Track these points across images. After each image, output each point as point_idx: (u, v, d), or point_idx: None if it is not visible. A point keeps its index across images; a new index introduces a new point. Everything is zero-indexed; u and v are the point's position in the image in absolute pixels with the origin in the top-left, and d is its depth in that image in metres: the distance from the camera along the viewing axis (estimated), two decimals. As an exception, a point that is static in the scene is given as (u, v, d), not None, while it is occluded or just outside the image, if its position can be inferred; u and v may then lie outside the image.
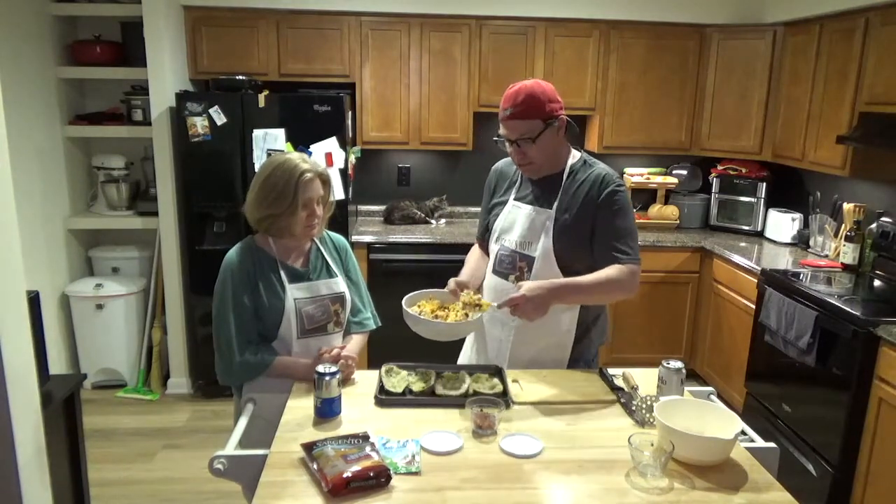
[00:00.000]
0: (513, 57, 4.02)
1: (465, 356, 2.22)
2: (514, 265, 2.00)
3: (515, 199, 2.05)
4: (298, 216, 1.88)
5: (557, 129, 1.91)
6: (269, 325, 1.91)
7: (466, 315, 1.87)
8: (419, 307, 1.92)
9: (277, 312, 1.89)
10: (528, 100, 1.86)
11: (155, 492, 2.98)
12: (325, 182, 1.95)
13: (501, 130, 1.94)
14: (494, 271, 2.07)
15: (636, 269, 1.90)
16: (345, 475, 1.35)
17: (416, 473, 1.44)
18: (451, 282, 2.01)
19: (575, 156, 2.01)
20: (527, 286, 1.80)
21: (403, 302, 1.91)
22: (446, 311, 1.91)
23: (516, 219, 2.02)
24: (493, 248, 2.08)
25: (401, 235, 3.97)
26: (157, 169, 3.75)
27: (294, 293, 1.92)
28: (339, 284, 2.01)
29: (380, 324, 2.17)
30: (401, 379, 1.84)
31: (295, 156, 1.92)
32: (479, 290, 2.09)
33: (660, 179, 4.36)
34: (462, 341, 2.23)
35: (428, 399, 1.77)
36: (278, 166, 1.88)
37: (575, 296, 1.90)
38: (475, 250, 2.25)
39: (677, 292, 4.09)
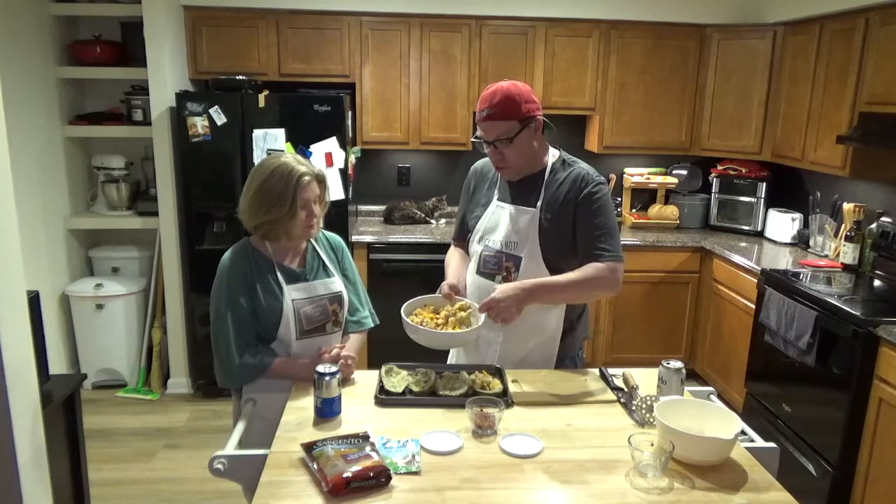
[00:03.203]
0: (513, 57, 4.02)
1: (453, 359, 2.22)
2: (501, 265, 2.00)
3: (499, 199, 2.05)
4: (298, 219, 1.87)
5: (534, 129, 1.91)
6: (267, 327, 1.90)
7: (463, 325, 1.90)
8: (416, 315, 1.94)
9: (275, 314, 1.89)
10: (504, 101, 1.86)
11: (155, 492, 2.99)
12: (322, 182, 1.94)
13: (479, 132, 1.95)
14: (479, 272, 2.06)
15: (616, 266, 1.90)
16: (345, 475, 1.35)
17: (416, 473, 1.44)
18: (444, 286, 2.02)
19: (554, 154, 2.02)
20: (500, 288, 1.82)
21: (402, 311, 1.92)
22: (443, 317, 1.93)
23: (500, 219, 2.02)
24: (477, 248, 2.07)
25: (401, 235, 3.97)
26: (157, 169, 3.75)
27: (292, 294, 1.91)
28: (337, 284, 2.01)
29: (378, 322, 2.17)
30: (401, 379, 1.84)
31: (289, 158, 1.90)
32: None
33: (660, 179, 4.36)
34: None
35: (428, 399, 1.77)
36: (274, 171, 1.86)
37: (551, 295, 1.90)
38: (454, 251, 2.25)
39: (677, 292, 4.08)
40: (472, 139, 2.00)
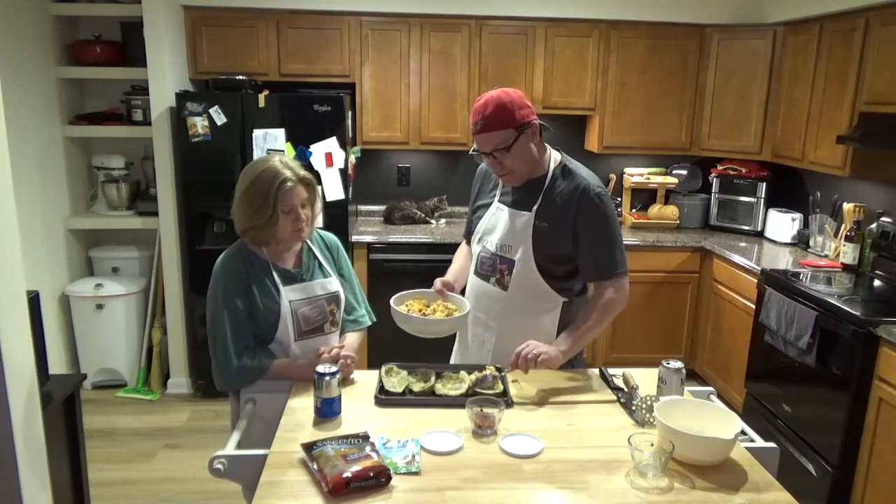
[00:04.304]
0: (513, 57, 4.02)
1: (453, 360, 2.24)
2: (495, 267, 2.00)
3: (499, 202, 2.05)
4: (281, 225, 1.85)
5: (531, 134, 1.89)
6: (265, 329, 1.89)
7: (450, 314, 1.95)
8: (407, 306, 1.96)
9: (273, 315, 1.88)
10: (497, 110, 1.84)
11: (155, 492, 2.99)
12: (310, 185, 1.90)
13: (475, 144, 1.92)
14: (476, 273, 2.08)
15: (624, 281, 1.94)
16: (345, 475, 1.35)
17: (416, 473, 1.44)
18: (437, 282, 2.04)
19: (556, 158, 1.99)
20: (541, 349, 1.82)
21: (392, 301, 1.94)
22: (432, 309, 1.97)
23: (498, 221, 2.02)
24: (476, 249, 2.09)
25: (401, 235, 3.97)
26: (157, 169, 3.75)
27: (289, 295, 1.90)
28: (334, 284, 2.00)
29: (374, 320, 2.17)
30: (401, 379, 1.84)
31: (276, 162, 1.86)
32: (463, 290, 2.13)
33: (660, 179, 4.36)
34: (452, 344, 2.25)
35: (428, 399, 1.77)
36: (259, 176, 1.83)
37: (585, 343, 1.97)
38: (463, 248, 2.27)
39: (677, 292, 4.08)
40: (470, 152, 1.99)
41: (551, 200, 1.93)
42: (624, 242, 1.99)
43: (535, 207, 1.94)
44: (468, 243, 2.24)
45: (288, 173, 1.84)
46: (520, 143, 1.87)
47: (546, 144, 2.00)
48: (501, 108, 1.84)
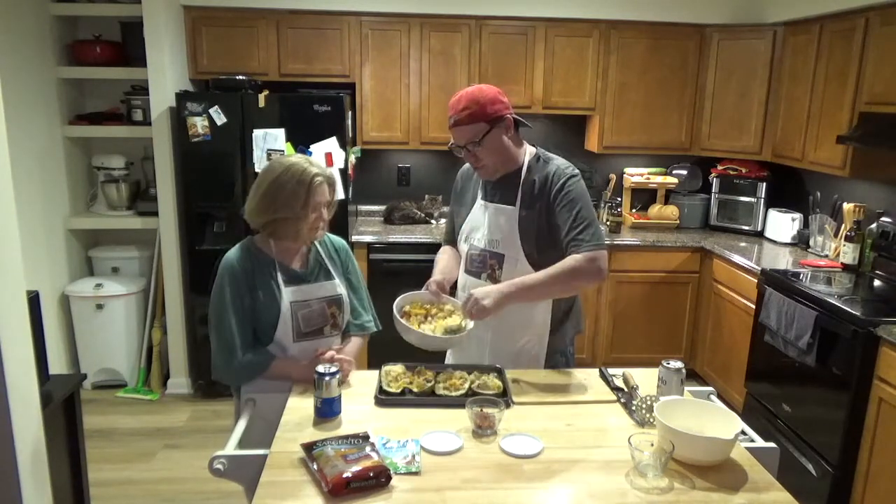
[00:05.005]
0: (513, 57, 4.02)
1: (451, 357, 2.24)
2: (485, 263, 2.03)
3: (482, 199, 2.08)
4: (307, 221, 1.87)
5: (504, 128, 1.94)
6: (265, 328, 1.90)
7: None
8: (409, 313, 1.97)
9: (273, 315, 1.88)
10: (469, 105, 1.90)
11: (155, 492, 2.99)
12: (332, 185, 1.95)
13: (452, 138, 1.99)
14: (467, 271, 2.11)
15: (596, 255, 1.87)
16: (345, 475, 1.35)
17: (416, 473, 1.44)
18: (431, 283, 2.04)
19: (531, 152, 2.04)
20: (482, 289, 1.85)
21: (394, 309, 1.93)
22: (434, 314, 1.97)
23: (483, 218, 2.06)
24: (464, 247, 2.12)
25: (401, 235, 3.97)
26: (157, 169, 3.75)
27: (289, 296, 1.90)
28: (336, 287, 2.01)
29: (380, 328, 2.17)
30: (400, 378, 1.84)
31: (301, 159, 1.90)
32: (453, 287, 2.13)
33: (660, 179, 4.36)
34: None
35: (428, 399, 1.78)
36: (287, 169, 1.85)
37: (530, 293, 1.88)
38: (445, 249, 2.27)
39: (677, 292, 4.08)
40: (449, 146, 2.04)
41: (529, 191, 1.98)
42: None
43: (516, 200, 1.98)
44: (448, 244, 2.26)
45: (316, 170, 1.88)
46: (492, 137, 1.92)
47: (523, 140, 2.04)
48: (474, 104, 1.90)
